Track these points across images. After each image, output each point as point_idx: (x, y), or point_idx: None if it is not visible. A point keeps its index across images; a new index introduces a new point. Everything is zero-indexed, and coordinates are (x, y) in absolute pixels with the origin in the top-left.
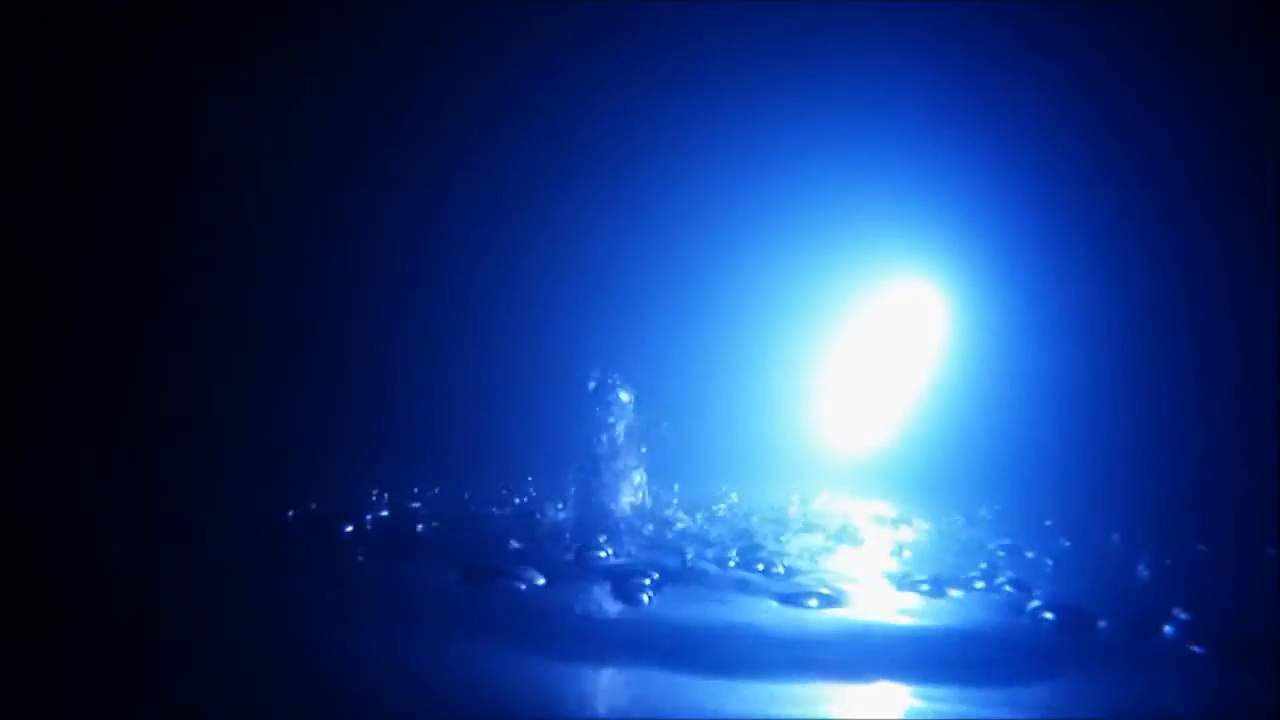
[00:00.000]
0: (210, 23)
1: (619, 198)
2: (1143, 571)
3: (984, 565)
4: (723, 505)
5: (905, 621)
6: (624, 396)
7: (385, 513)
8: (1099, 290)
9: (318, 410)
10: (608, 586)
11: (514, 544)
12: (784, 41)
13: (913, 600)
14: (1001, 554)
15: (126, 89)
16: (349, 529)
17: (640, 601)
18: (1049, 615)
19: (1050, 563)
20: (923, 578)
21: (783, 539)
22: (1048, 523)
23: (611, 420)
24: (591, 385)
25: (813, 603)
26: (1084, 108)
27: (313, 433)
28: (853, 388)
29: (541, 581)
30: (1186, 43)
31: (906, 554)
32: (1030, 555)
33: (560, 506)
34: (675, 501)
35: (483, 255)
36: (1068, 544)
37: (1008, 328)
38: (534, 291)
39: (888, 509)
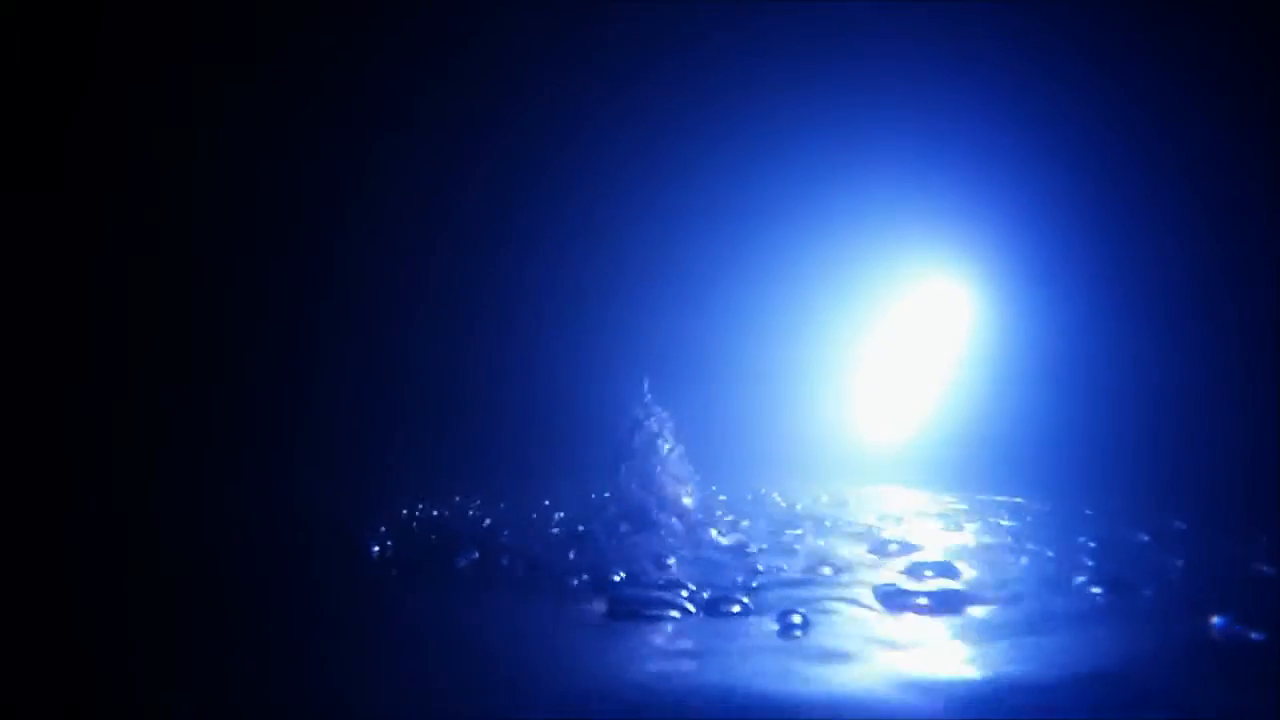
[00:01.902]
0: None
1: (646, 201)
2: (1265, 568)
3: (1090, 563)
4: (777, 504)
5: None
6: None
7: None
8: (1129, 279)
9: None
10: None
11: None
12: (810, 45)
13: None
14: (1094, 545)
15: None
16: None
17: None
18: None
19: (1180, 563)
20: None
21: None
22: (1088, 512)
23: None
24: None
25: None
26: (1113, 101)
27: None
28: (879, 382)
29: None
30: (1224, 35)
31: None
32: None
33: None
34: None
35: (503, 259)
36: (1146, 538)
37: (1035, 319)
38: (554, 296)
39: (931, 503)
